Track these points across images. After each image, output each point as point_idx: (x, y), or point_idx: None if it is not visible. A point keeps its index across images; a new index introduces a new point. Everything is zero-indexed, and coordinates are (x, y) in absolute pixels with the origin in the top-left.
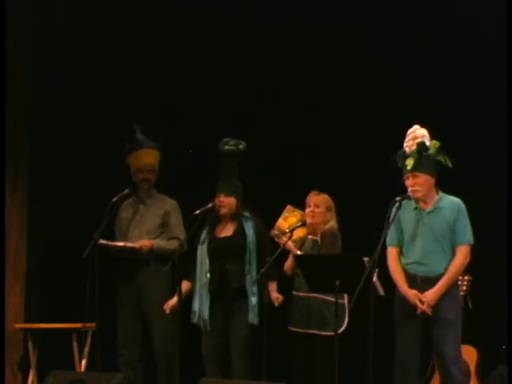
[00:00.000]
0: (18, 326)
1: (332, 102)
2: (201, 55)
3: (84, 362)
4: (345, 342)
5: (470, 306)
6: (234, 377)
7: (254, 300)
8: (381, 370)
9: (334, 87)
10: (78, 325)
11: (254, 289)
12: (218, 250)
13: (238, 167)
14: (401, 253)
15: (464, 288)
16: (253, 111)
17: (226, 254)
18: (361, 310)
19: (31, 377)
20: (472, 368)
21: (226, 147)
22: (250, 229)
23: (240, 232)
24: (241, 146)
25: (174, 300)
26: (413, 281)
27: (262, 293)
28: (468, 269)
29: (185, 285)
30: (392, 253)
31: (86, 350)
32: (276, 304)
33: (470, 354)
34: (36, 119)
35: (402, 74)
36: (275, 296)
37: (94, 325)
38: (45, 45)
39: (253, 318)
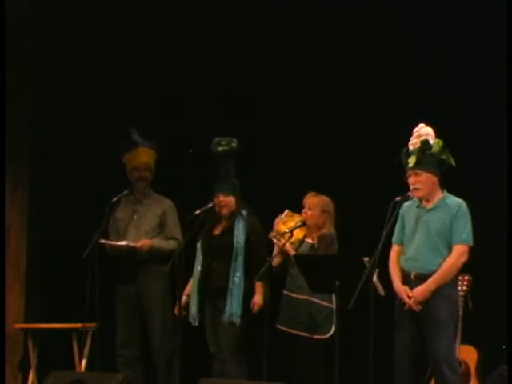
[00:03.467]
0: (18, 325)
1: (333, 102)
2: (201, 55)
3: (84, 362)
4: (332, 346)
5: (470, 305)
6: (227, 377)
7: (233, 300)
8: (381, 370)
9: (336, 87)
10: (78, 325)
11: (237, 289)
12: (208, 248)
13: (234, 166)
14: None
15: (464, 288)
16: (253, 111)
17: (214, 253)
18: (361, 310)
19: (31, 377)
20: (472, 368)
21: (220, 148)
22: (239, 228)
23: (228, 231)
24: (233, 144)
25: (184, 299)
26: (408, 278)
27: (264, 292)
28: (468, 269)
29: (190, 284)
30: (394, 250)
31: (86, 350)
32: (253, 310)
33: (470, 354)
34: (36, 119)
35: (404, 74)
36: (256, 299)
37: (94, 325)
38: (44, 45)
39: (230, 317)
